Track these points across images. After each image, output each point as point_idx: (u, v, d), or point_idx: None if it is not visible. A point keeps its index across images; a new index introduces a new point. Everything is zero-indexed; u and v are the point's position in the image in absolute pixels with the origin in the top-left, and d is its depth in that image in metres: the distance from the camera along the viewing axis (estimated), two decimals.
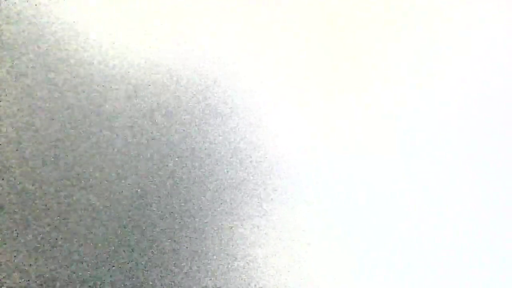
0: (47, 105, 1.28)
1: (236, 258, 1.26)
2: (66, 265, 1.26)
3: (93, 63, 1.29)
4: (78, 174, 1.27)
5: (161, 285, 1.26)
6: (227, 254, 1.26)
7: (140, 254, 1.26)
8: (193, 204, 1.27)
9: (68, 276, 1.26)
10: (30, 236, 1.26)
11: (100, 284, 1.26)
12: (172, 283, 1.26)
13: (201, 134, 1.28)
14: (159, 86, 1.28)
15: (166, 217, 1.27)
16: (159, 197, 1.27)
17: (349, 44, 1.29)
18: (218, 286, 1.26)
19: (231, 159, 1.28)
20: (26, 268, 1.26)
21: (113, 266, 1.26)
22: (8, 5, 1.29)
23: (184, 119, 1.28)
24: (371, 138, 1.28)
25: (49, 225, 1.26)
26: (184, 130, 1.28)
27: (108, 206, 1.27)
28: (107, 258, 1.26)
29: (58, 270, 1.26)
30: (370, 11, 1.29)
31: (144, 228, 1.26)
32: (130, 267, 1.26)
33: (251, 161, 1.28)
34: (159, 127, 1.28)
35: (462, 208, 1.27)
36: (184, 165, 1.27)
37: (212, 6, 1.29)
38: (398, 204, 1.27)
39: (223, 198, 1.27)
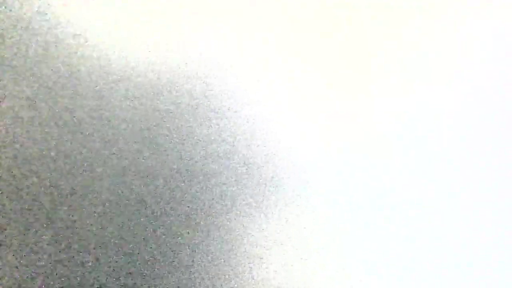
0: (47, 105, 1.28)
1: (236, 258, 1.26)
2: (66, 266, 1.26)
3: (92, 64, 1.28)
4: (78, 175, 1.27)
5: (161, 284, 1.26)
6: (228, 254, 1.26)
7: (140, 253, 1.26)
8: (194, 204, 1.27)
9: (68, 276, 1.26)
10: (30, 236, 1.26)
11: (100, 284, 1.26)
12: (172, 283, 1.26)
13: (202, 134, 1.28)
14: (159, 87, 1.28)
15: (166, 217, 1.27)
16: (159, 197, 1.27)
17: (353, 44, 1.29)
18: (218, 286, 1.26)
19: (232, 159, 1.28)
20: (25, 269, 1.26)
21: (113, 266, 1.26)
22: (8, 5, 1.29)
23: (185, 119, 1.28)
24: (373, 138, 1.28)
25: (47, 225, 1.26)
26: (184, 130, 1.28)
27: (108, 206, 1.27)
28: (107, 258, 1.26)
29: (58, 269, 1.26)
30: (373, 12, 1.29)
31: (144, 227, 1.26)
32: (130, 267, 1.26)
33: (252, 161, 1.27)
34: (159, 127, 1.28)
35: (470, 211, 1.27)
36: (185, 165, 1.27)
37: (213, 6, 1.29)
38: (400, 204, 1.27)
39: (224, 198, 1.27)
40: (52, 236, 1.26)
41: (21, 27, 1.29)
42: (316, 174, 1.27)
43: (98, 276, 1.26)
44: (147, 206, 1.27)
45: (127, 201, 1.27)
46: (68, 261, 1.26)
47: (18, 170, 1.27)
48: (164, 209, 1.27)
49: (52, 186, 1.27)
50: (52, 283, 1.26)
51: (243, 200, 1.27)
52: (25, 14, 1.29)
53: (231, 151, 1.28)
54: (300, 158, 1.27)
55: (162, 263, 1.26)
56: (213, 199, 1.27)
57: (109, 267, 1.26)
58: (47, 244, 1.26)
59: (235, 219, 1.27)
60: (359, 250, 1.26)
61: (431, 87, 1.28)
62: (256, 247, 1.26)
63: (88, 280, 1.26)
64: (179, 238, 1.27)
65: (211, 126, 1.28)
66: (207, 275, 1.26)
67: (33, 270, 1.26)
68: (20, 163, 1.27)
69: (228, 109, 1.28)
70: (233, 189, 1.27)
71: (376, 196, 1.27)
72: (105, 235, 1.26)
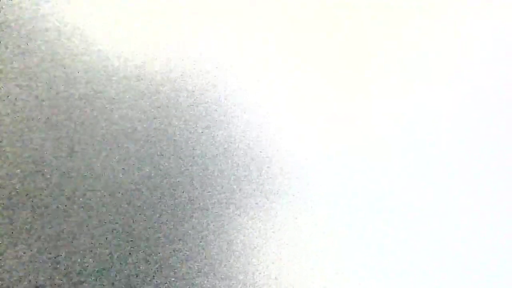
0: (46, 105, 1.28)
1: (236, 258, 1.26)
2: (65, 265, 1.26)
3: (92, 64, 1.29)
4: (76, 174, 1.27)
5: (161, 284, 1.26)
6: (228, 254, 1.26)
7: (139, 253, 1.26)
8: (192, 204, 1.27)
9: (68, 276, 1.26)
10: (30, 236, 1.26)
11: (100, 284, 1.26)
12: (172, 282, 1.26)
13: (201, 134, 1.28)
14: (159, 87, 1.28)
15: (167, 216, 1.27)
16: (159, 196, 1.27)
17: (353, 44, 1.29)
18: (218, 285, 1.26)
19: (231, 159, 1.28)
20: (25, 269, 1.26)
21: (113, 265, 1.26)
22: (8, 5, 1.29)
23: (185, 119, 1.28)
24: (373, 140, 1.28)
25: (47, 223, 1.26)
26: (184, 130, 1.28)
27: (109, 205, 1.26)
28: (107, 257, 1.26)
29: (57, 269, 1.26)
30: (373, 12, 1.29)
31: (144, 227, 1.26)
32: (130, 266, 1.26)
33: (251, 162, 1.27)
34: (159, 127, 1.28)
35: (469, 214, 1.27)
36: (184, 165, 1.27)
37: (213, 6, 1.29)
38: (399, 206, 1.27)
39: (222, 198, 1.27)
40: (51, 236, 1.26)
41: (21, 26, 1.29)
42: (315, 175, 1.27)
43: (97, 275, 1.26)
44: (146, 206, 1.27)
45: (125, 200, 1.27)
46: (68, 261, 1.26)
47: (18, 170, 1.27)
48: (163, 209, 1.27)
49: (50, 186, 1.27)
50: (52, 282, 1.26)
51: (242, 201, 1.27)
52: (24, 13, 1.30)
53: (230, 151, 1.28)
54: (299, 159, 1.27)
55: (161, 264, 1.26)
56: (211, 199, 1.27)
57: (108, 266, 1.26)
58: (47, 244, 1.26)
59: (233, 220, 1.27)
60: (358, 251, 1.26)
61: (431, 88, 1.28)
62: (255, 248, 1.26)
63: (87, 280, 1.26)
64: (178, 238, 1.26)
65: (210, 126, 1.28)
66: (206, 275, 1.26)
67: (32, 270, 1.26)
68: (20, 163, 1.27)
69: (228, 109, 1.28)
70: (232, 189, 1.27)
71: (375, 198, 1.27)
72: (103, 234, 1.26)
